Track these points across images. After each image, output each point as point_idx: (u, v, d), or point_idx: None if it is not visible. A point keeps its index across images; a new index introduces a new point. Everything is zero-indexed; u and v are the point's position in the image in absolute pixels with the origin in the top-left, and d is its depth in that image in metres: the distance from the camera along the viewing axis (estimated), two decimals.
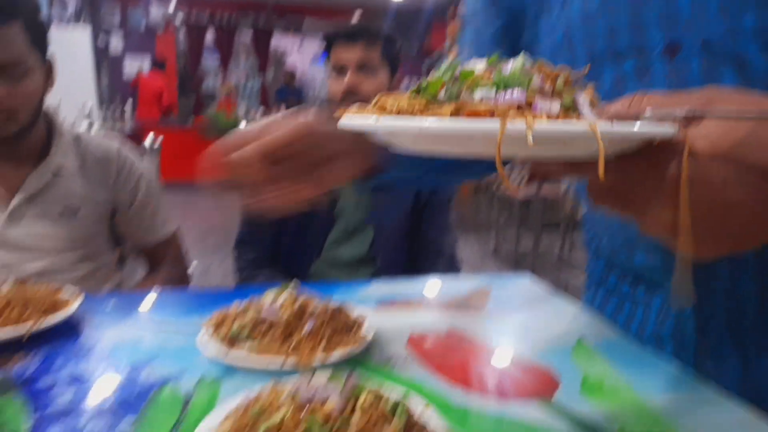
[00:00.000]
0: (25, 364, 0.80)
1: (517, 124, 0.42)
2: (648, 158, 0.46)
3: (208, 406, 0.69)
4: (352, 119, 0.50)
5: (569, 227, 5.29)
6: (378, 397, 0.61)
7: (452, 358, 0.85)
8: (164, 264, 1.55)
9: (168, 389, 0.74)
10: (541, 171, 0.51)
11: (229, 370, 0.79)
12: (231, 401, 0.65)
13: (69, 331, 0.91)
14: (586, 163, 0.46)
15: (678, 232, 0.44)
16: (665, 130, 0.44)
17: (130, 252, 1.65)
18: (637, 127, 0.43)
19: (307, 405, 0.57)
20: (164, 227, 1.53)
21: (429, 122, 0.45)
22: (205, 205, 6.88)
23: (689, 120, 0.45)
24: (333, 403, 0.57)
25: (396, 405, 0.60)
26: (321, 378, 0.61)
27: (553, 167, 0.50)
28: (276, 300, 0.86)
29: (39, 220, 1.27)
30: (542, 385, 0.78)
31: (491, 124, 0.43)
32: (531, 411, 0.71)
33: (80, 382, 0.75)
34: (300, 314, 0.85)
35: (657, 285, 0.81)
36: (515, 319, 1.03)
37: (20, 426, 0.65)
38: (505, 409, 0.71)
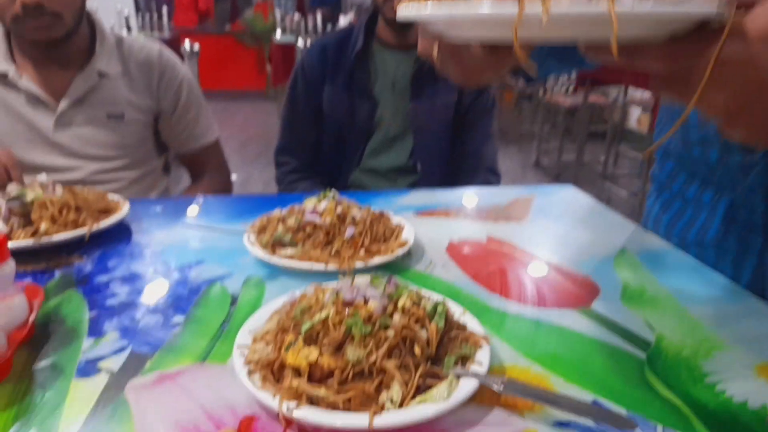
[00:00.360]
0: (82, 265, 0.84)
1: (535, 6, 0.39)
2: (703, 41, 0.43)
3: (255, 305, 0.72)
4: (408, 9, 0.48)
5: (615, 138, 5.10)
6: (417, 300, 0.62)
7: (491, 265, 0.86)
8: (207, 172, 1.58)
9: (217, 287, 0.77)
10: (596, 52, 0.47)
11: (274, 272, 0.81)
12: (276, 301, 0.68)
13: (120, 234, 0.95)
14: (635, 48, 0.43)
15: (730, 116, 0.43)
16: (699, 8, 0.40)
17: (174, 160, 1.68)
18: (667, 6, 0.40)
19: (349, 305, 0.59)
20: (206, 135, 1.55)
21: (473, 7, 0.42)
22: (244, 115, 6.90)
23: (741, 3, 0.41)
24: (374, 304, 0.59)
25: (435, 307, 0.61)
26: (362, 280, 0.62)
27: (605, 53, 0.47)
28: (317, 206, 0.87)
29: (86, 125, 1.30)
30: (582, 294, 0.78)
31: (511, 9, 0.40)
32: (569, 318, 0.71)
33: (133, 281, 0.79)
34: (341, 220, 0.86)
35: (725, 188, 0.78)
36: (557, 229, 1.01)
37: (81, 317, 0.70)
38: (542, 315, 0.72)
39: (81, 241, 0.88)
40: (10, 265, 0.63)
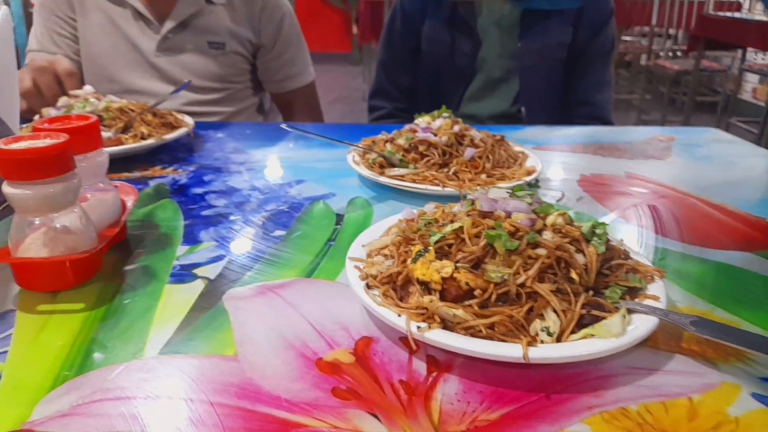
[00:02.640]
0: (177, 177, 0.78)
1: None
2: None
3: (363, 225, 0.63)
4: None
5: (728, 110, 4.63)
6: (569, 220, 0.50)
7: (637, 201, 0.72)
8: (300, 115, 1.51)
9: (320, 205, 0.69)
10: None
11: (382, 194, 0.72)
12: (389, 219, 0.58)
13: (214, 151, 0.89)
14: None
15: None
16: None
17: (270, 102, 1.63)
18: None
19: (488, 217, 0.48)
20: (302, 76, 1.48)
21: None
22: (329, 78, 6.87)
23: None
24: (520, 216, 0.47)
25: (593, 227, 0.49)
26: (500, 192, 0.51)
27: None
28: (432, 124, 0.76)
29: (187, 51, 1.26)
30: (759, 236, 0.63)
31: None
32: (749, 261, 0.57)
33: (230, 195, 0.72)
34: (459, 140, 0.74)
35: None
36: (708, 170, 0.85)
37: (176, 224, 0.63)
38: (715, 256, 0.58)
39: (172, 154, 0.82)
40: (103, 155, 0.56)
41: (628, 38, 5.51)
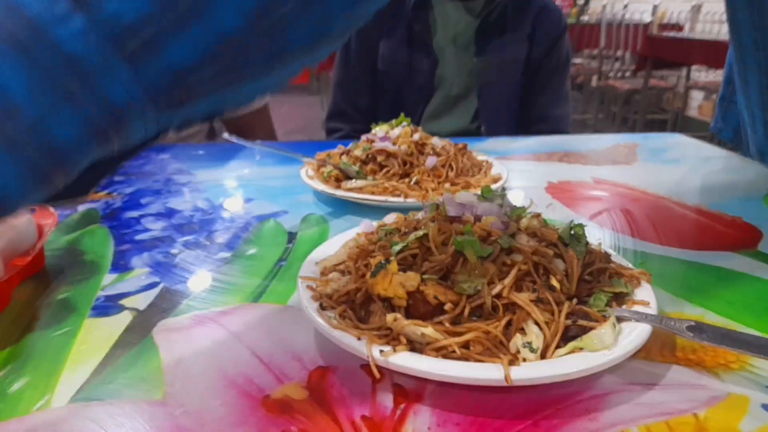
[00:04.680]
0: (110, 201, 0.70)
1: None
2: None
3: (318, 242, 0.57)
4: None
5: (676, 126, 4.78)
6: (544, 223, 0.45)
7: (609, 206, 0.68)
8: (254, 139, 1.44)
9: (270, 223, 0.62)
10: None
11: (338, 209, 0.66)
12: (346, 233, 0.52)
13: (154, 173, 0.82)
14: None
15: None
16: None
17: (219, 126, 1.56)
18: None
19: (456, 221, 0.43)
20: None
21: None
22: (287, 108, 6.83)
23: None
24: (490, 219, 0.42)
25: (571, 229, 0.44)
26: (467, 195, 0.46)
27: None
28: (389, 132, 0.71)
29: None
30: (739, 235, 0.60)
31: None
32: (732, 260, 0.54)
33: (170, 217, 0.65)
34: (420, 148, 0.69)
35: None
36: (676, 173, 0.83)
37: (105, 252, 0.55)
38: (698, 257, 0.54)
39: (108, 178, 0.75)
40: None
41: (578, 60, 5.67)
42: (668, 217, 0.65)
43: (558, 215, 0.65)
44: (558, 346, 0.36)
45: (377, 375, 0.35)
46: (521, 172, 0.80)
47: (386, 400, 0.35)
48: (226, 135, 0.74)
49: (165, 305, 0.46)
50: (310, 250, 0.50)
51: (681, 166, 0.85)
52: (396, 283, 0.38)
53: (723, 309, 0.45)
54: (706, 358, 0.39)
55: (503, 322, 0.37)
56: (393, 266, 0.39)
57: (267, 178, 0.78)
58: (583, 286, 0.42)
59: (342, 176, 0.68)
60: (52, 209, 0.54)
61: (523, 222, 0.44)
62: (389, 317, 0.37)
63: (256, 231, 0.60)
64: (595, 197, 0.71)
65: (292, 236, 0.59)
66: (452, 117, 1.62)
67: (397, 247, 0.41)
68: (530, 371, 0.34)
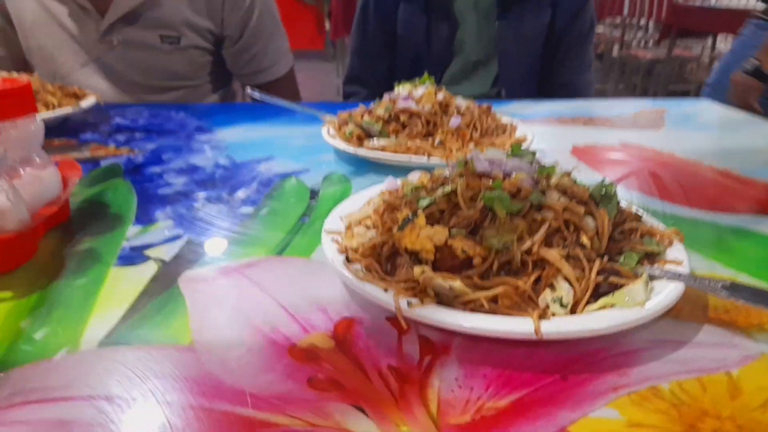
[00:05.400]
0: (132, 157, 0.70)
1: None
2: None
3: (340, 200, 0.56)
4: None
5: (699, 97, 4.66)
6: (574, 181, 0.44)
7: (637, 168, 0.67)
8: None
9: (292, 181, 0.62)
10: None
11: (360, 168, 0.65)
12: (369, 189, 0.52)
13: (175, 131, 0.81)
14: None
15: None
16: None
17: (239, 92, 1.52)
18: None
19: (485, 177, 0.42)
20: (277, 67, 1.27)
21: None
22: (302, 75, 6.75)
23: None
24: (521, 176, 0.41)
25: (602, 188, 0.43)
26: (496, 152, 0.45)
27: None
28: (413, 92, 0.70)
29: (136, 47, 1.08)
30: None
31: None
32: (765, 224, 0.52)
33: (192, 173, 0.64)
34: (444, 108, 0.68)
35: None
36: (706, 138, 0.81)
37: (129, 204, 0.56)
38: (728, 220, 0.53)
39: (128, 134, 0.74)
40: (37, 122, 0.49)
41: (600, 30, 5.52)
42: (698, 181, 0.63)
43: (584, 178, 0.63)
44: (588, 303, 0.36)
45: (404, 325, 0.35)
46: (546, 135, 0.79)
47: (413, 351, 0.35)
48: (248, 90, 0.72)
49: (190, 256, 0.46)
50: (332, 207, 0.50)
51: (710, 132, 0.83)
52: (424, 236, 0.37)
53: (756, 271, 0.44)
54: (739, 318, 0.38)
55: (532, 277, 0.36)
56: (421, 219, 0.38)
57: (288, 138, 0.78)
58: (614, 245, 0.41)
59: (364, 135, 0.67)
60: (76, 162, 0.54)
61: (554, 180, 0.43)
62: (417, 270, 0.36)
63: (277, 188, 0.60)
64: (622, 160, 0.69)
65: (314, 194, 0.59)
66: (471, 83, 1.59)
67: (425, 202, 0.40)
68: (560, 325, 0.33)
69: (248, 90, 0.73)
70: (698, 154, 0.72)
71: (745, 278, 0.43)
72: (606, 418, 0.30)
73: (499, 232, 0.38)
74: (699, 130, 0.85)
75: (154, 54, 1.10)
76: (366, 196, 0.50)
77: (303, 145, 0.74)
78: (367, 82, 1.65)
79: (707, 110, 0.95)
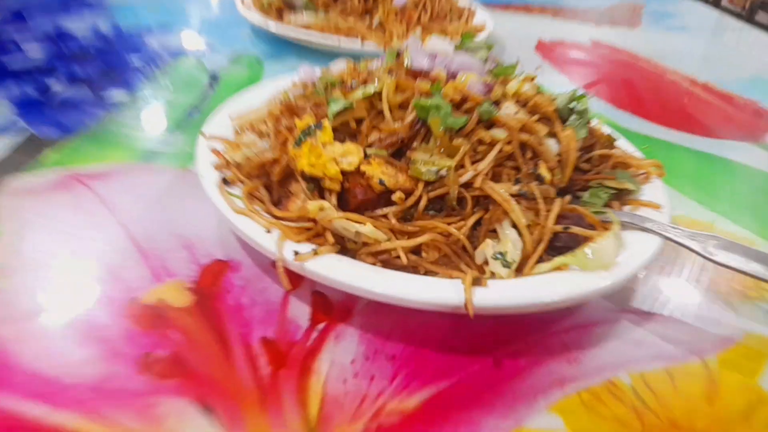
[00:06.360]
0: None
1: None
2: None
3: (249, 83, 0.44)
4: None
5: None
6: (538, 89, 0.34)
7: (608, 73, 0.57)
8: None
9: (189, 61, 0.49)
10: None
11: (278, 49, 0.52)
12: (279, 79, 0.40)
13: None
14: None
15: None
16: None
17: None
18: None
19: (422, 77, 0.31)
20: None
21: None
22: None
23: None
24: (470, 78, 0.30)
25: (571, 100, 0.33)
26: (442, 42, 0.34)
27: None
28: None
29: None
30: (754, 122, 0.50)
31: None
32: (745, 153, 0.44)
33: (55, 42, 0.50)
34: None
35: None
36: (687, 42, 0.71)
37: None
38: (709, 146, 0.45)
39: None
40: None
41: None
42: (676, 94, 0.54)
43: (548, 80, 0.53)
44: (540, 260, 0.27)
45: (286, 285, 0.25)
46: (508, 25, 0.67)
47: (301, 315, 0.25)
48: None
49: (24, 156, 0.34)
50: (236, 91, 0.38)
51: (691, 36, 0.73)
52: (328, 157, 0.27)
53: (740, 218, 0.37)
54: (721, 281, 0.31)
55: (471, 221, 0.27)
56: (326, 133, 0.27)
57: (193, 2, 0.62)
58: (579, 176, 0.32)
59: (285, 7, 0.53)
60: None
61: (512, 86, 0.32)
62: (314, 204, 0.26)
63: (168, 69, 0.47)
64: (593, 62, 0.59)
65: (214, 79, 0.46)
66: None
67: (336, 107, 0.29)
68: (499, 295, 0.24)
69: None
70: (677, 61, 0.62)
71: (726, 226, 0.36)
72: (546, 430, 0.22)
73: (433, 156, 0.28)
74: (678, 31, 0.74)
75: None
76: (272, 88, 0.38)
77: (211, 15, 0.59)
78: None
79: (689, 10, 0.84)
